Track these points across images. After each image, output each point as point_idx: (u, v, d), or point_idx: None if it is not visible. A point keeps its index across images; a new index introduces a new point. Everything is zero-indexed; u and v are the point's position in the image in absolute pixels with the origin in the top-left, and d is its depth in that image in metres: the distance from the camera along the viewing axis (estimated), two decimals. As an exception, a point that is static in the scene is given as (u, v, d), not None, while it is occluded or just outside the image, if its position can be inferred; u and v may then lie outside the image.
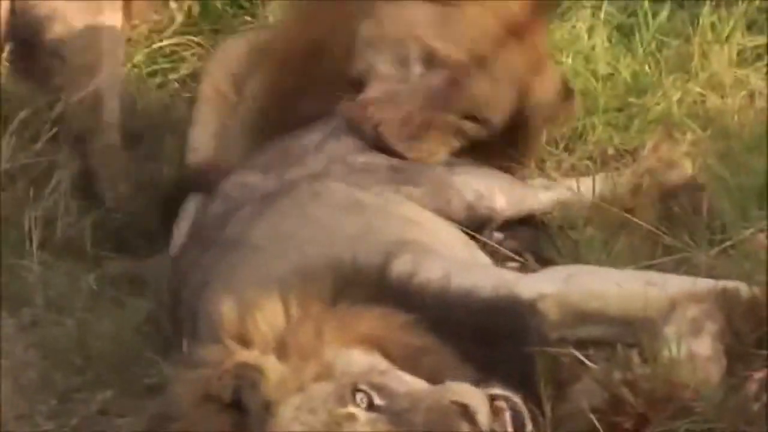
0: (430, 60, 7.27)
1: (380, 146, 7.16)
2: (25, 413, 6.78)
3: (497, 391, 5.84)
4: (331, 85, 7.32)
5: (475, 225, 7.26)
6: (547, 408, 6.04)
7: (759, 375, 5.73)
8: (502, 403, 5.80)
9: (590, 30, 9.78)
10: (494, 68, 7.39)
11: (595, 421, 5.94)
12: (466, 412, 5.69)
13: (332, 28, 7.64)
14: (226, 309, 6.21)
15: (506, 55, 7.44)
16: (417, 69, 7.30)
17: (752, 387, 5.71)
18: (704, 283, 6.18)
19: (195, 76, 9.97)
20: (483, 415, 5.72)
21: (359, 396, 5.77)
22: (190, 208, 7.56)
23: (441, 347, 6.09)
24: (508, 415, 5.77)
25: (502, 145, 7.61)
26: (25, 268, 7.45)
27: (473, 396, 5.77)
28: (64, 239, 7.72)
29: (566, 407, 6.04)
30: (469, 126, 7.35)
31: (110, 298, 7.39)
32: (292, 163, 7.20)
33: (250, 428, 5.98)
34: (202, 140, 8.20)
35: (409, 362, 6.03)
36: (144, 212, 8.17)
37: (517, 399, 5.85)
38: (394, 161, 7.19)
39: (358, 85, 7.37)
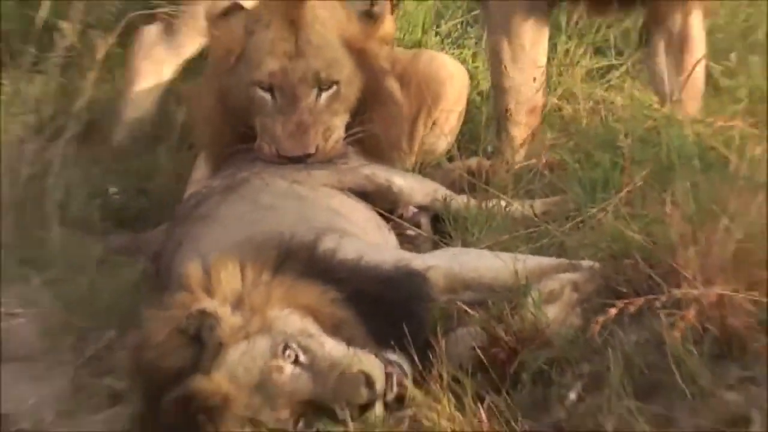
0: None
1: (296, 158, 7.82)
2: (51, 347, 7.44)
3: (390, 357, 6.66)
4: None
5: (388, 203, 7.94)
6: (441, 346, 6.65)
7: (600, 320, 6.40)
8: (391, 369, 6.61)
9: (474, 55, 10.43)
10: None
11: (480, 353, 6.71)
12: (368, 380, 6.48)
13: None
14: (194, 266, 6.97)
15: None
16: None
17: (595, 328, 6.37)
18: (554, 261, 7.08)
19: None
20: (380, 384, 6.54)
21: (288, 352, 6.57)
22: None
23: (356, 320, 6.83)
24: (395, 378, 6.57)
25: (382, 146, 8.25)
26: (49, 239, 8.03)
27: (375, 367, 6.57)
28: (78, 217, 8.26)
29: (455, 347, 6.83)
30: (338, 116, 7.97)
31: (113, 262, 7.93)
32: (242, 168, 7.81)
33: (203, 362, 6.67)
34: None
35: (333, 329, 6.75)
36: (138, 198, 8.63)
37: (403, 362, 6.71)
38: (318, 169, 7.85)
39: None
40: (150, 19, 8.92)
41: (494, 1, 8.31)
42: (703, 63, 8.07)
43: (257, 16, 8.20)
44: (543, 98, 8.59)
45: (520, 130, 8.39)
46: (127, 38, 9.75)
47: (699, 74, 8.05)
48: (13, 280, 7.84)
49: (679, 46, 7.81)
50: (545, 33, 8.21)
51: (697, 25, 8.00)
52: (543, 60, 8.22)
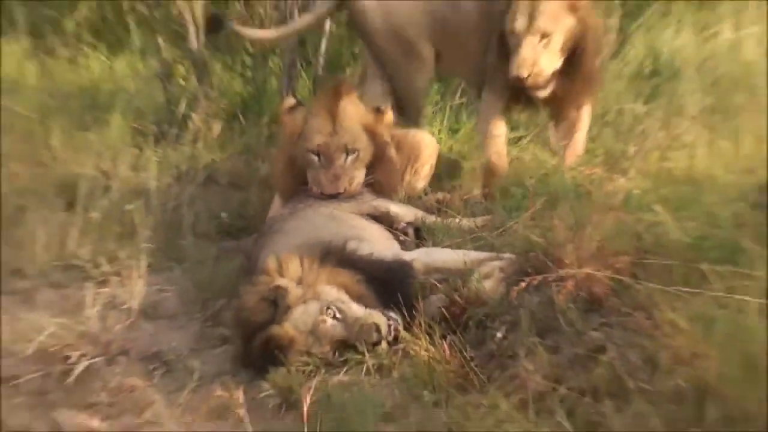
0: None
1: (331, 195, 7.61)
2: (186, 310, 7.27)
3: (390, 314, 6.58)
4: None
5: (388, 221, 7.72)
6: (420, 306, 6.53)
7: (516, 289, 6.28)
8: (391, 321, 6.55)
9: (439, 131, 9.54)
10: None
11: (444, 311, 6.59)
12: (377, 328, 6.49)
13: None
14: (271, 259, 6.90)
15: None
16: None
17: (513, 294, 6.29)
18: (488, 254, 6.99)
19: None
20: (384, 330, 6.50)
21: (329, 311, 6.57)
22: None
23: (370, 292, 6.78)
24: (393, 326, 6.51)
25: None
26: (185, 245, 7.80)
27: (381, 320, 6.54)
28: (203, 232, 8.06)
29: (429, 307, 6.68)
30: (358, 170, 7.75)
31: (224, 258, 7.65)
32: (300, 202, 7.69)
33: (278, 317, 6.58)
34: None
35: (356, 298, 6.70)
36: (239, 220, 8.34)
37: (398, 317, 6.60)
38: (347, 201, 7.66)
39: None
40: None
41: (484, 107, 8.15)
42: (585, 130, 7.85)
43: (310, 109, 7.98)
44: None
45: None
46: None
47: (581, 142, 7.85)
48: (163, 270, 7.65)
49: (570, 127, 7.61)
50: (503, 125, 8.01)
51: (585, 113, 7.81)
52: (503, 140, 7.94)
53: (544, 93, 7.82)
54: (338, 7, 8.52)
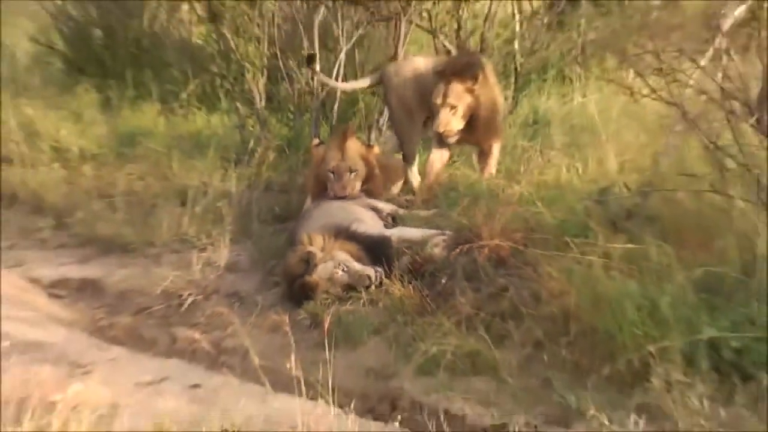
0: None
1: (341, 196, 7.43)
2: (254, 267, 7.21)
3: (377, 268, 6.41)
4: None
5: (377, 213, 7.39)
6: (395, 264, 6.44)
7: (453, 253, 6.16)
8: (378, 273, 6.39)
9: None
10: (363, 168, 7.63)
11: (409, 265, 6.40)
12: (369, 278, 6.34)
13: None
14: (305, 236, 6.71)
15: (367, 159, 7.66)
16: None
17: (452, 256, 6.15)
18: (437, 231, 6.77)
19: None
20: (374, 278, 6.33)
21: (340, 266, 6.42)
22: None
23: (365, 256, 6.58)
24: (378, 277, 6.35)
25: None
26: (253, 227, 7.71)
27: (371, 272, 6.38)
28: (264, 219, 7.89)
29: (401, 264, 6.47)
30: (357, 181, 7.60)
31: (276, 235, 7.63)
32: (322, 200, 7.43)
33: (309, 271, 6.42)
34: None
35: (356, 259, 6.51)
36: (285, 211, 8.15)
37: (381, 270, 6.43)
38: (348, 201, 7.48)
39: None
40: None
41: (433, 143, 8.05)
42: (496, 157, 7.77)
43: (328, 145, 7.81)
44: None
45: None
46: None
47: (493, 166, 7.89)
48: (239, 242, 7.53)
49: (485, 157, 7.59)
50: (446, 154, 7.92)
51: (495, 148, 7.85)
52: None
53: (452, 141, 7.80)
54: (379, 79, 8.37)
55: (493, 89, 7.81)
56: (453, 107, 7.62)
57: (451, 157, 8.21)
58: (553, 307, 5.49)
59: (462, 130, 7.75)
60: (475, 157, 8.19)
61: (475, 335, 5.56)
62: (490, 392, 5.18)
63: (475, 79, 7.58)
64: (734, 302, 5.08)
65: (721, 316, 4.98)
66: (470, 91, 7.62)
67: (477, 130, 7.76)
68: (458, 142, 7.94)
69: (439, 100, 7.63)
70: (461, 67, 7.65)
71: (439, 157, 8.03)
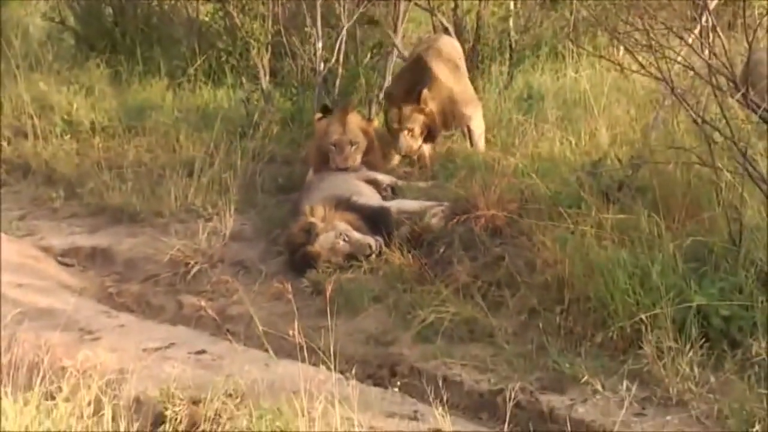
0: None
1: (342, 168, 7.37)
2: (257, 237, 7.17)
3: (378, 238, 6.35)
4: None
5: (376, 185, 7.31)
6: (395, 233, 6.42)
7: (451, 223, 6.16)
8: (378, 242, 6.33)
9: None
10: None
11: (409, 235, 6.33)
12: (369, 246, 6.29)
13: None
14: (307, 207, 6.62)
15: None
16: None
17: (449, 225, 6.22)
18: (436, 203, 6.71)
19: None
20: (374, 246, 6.28)
21: (341, 236, 6.35)
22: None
23: (365, 226, 6.51)
24: (378, 246, 6.29)
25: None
26: (257, 198, 7.69)
27: (372, 241, 6.32)
28: (267, 189, 7.86)
29: (401, 233, 6.41)
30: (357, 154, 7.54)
31: (280, 205, 7.54)
32: (324, 171, 7.36)
33: (311, 240, 6.37)
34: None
35: (357, 229, 6.43)
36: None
37: (380, 240, 6.37)
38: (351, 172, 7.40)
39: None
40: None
41: None
42: (477, 133, 7.94)
43: (330, 119, 7.70)
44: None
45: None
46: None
47: (478, 141, 7.96)
48: (244, 211, 7.47)
49: (468, 133, 7.56)
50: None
51: (473, 124, 8.01)
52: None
53: (415, 154, 7.90)
54: None
55: (446, 84, 7.86)
56: (410, 129, 7.70)
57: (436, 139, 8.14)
58: (548, 275, 5.47)
59: (425, 141, 7.87)
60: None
61: (472, 303, 5.55)
62: (487, 358, 5.16)
63: (419, 101, 7.62)
64: (722, 271, 5.09)
65: (710, 285, 4.98)
66: (420, 111, 7.68)
67: (437, 136, 7.93)
68: (429, 134, 7.90)
69: (395, 125, 7.73)
70: (404, 94, 7.73)
71: (427, 147, 8.03)
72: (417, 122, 7.67)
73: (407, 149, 7.75)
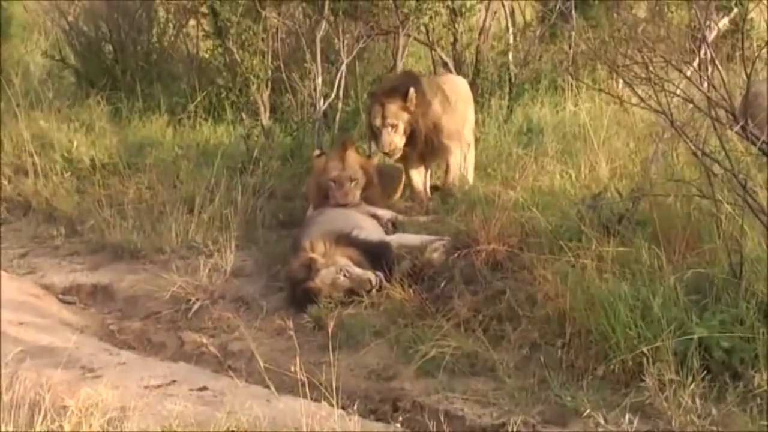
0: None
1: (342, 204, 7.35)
2: (259, 272, 7.20)
3: (378, 273, 6.36)
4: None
5: (377, 219, 7.31)
6: (395, 268, 6.46)
7: (453, 258, 6.29)
8: (378, 277, 6.34)
9: None
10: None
11: (408, 270, 6.41)
12: (370, 281, 6.30)
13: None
14: (307, 241, 6.64)
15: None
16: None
17: (454, 257, 6.32)
18: (436, 237, 6.74)
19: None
20: (375, 282, 6.29)
21: (342, 272, 6.36)
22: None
23: (366, 261, 6.53)
24: (378, 281, 6.30)
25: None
26: (258, 233, 7.67)
27: (372, 276, 6.33)
28: (270, 225, 7.86)
29: (401, 268, 6.44)
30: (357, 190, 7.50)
31: (280, 241, 7.55)
32: (324, 207, 7.33)
33: (312, 276, 6.38)
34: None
35: (357, 264, 6.45)
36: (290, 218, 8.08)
37: (381, 275, 6.39)
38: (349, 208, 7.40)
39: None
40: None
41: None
42: (453, 171, 7.96)
43: (329, 155, 7.75)
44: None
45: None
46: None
47: (453, 176, 7.98)
48: (245, 247, 7.52)
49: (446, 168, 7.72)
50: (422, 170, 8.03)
51: (452, 160, 7.95)
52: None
53: (395, 155, 7.78)
54: None
55: (435, 109, 7.84)
56: (393, 126, 7.64)
57: (428, 170, 8.24)
58: (549, 309, 5.50)
59: (407, 146, 7.76)
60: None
61: (473, 337, 5.58)
62: (489, 392, 5.17)
63: (405, 97, 7.61)
64: (723, 303, 5.10)
65: (711, 317, 4.99)
66: (405, 109, 7.64)
67: (418, 145, 7.78)
68: (407, 159, 7.93)
69: (378, 122, 7.67)
70: (390, 89, 7.74)
71: (418, 176, 8.08)
72: (401, 119, 7.64)
73: (390, 146, 7.66)
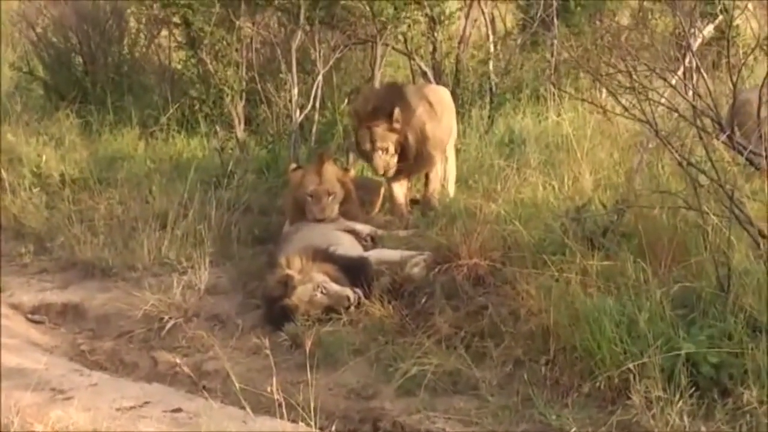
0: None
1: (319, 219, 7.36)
2: (234, 289, 7.19)
3: (357, 290, 6.36)
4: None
5: (355, 235, 7.30)
6: (374, 284, 6.44)
7: (434, 272, 6.26)
8: (357, 294, 6.34)
9: None
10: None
11: (388, 286, 6.37)
12: (348, 298, 6.31)
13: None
14: (283, 258, 6.65)
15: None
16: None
17: (434, 272, 6.29)
18: (417, 252, 6.72)
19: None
20: (353, 299, 6.28)
21: (319, 288, 6.36)
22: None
23: (343, 277, 6.52)
24: (357, 298, 6.30)
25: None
26: (231, 249, 7.66)
27: (351, 293, 6.33)
28: (243, 240, 7.81)
29: (380, 284, 6.43)
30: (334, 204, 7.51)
31: (256, 257, 7.54)
32: (301, 222, 7.34)
33: (288, 293, 6.38)
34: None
35: (335, 280, 6.45)
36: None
37: (359, 291, 6.38)
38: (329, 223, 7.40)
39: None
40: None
41: None
42: (433, 182, 8.11)
43: (306, 169, 7.73)
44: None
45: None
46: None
47: (433, 186, 8.12)
48: (219, 264, 7.50)
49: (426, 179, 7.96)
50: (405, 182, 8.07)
51: (432, 173, 8.06)
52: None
53: (390, 174, 7.86)
54: None
55: (420, 118, 7.86)
56: (383, 149, 7.70)
57: (410, 182, 8.29)
58: (532, 325, 5.49)
59: (399, 161, 7.82)
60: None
61: (455, 354, 5.57)
62: (471, 411, 5.15)
63: (390, 117, 7.64)
64: (711, 317, 5.09)
65: (699, 332, 4.99)
66: (392, 129, 7.69)
67: (409, 159, 7.83)
68: (397, 174, 7.94)
69: (368, 146, 7.73)
70: (374, 110, 7.75)
71: (400, 188, 8.09)
72: (390, 140, 7.68)
73: (384, 167, 7.73)
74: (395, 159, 7.76)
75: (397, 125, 7.66)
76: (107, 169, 9.38)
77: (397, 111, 7.63)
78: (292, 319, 6.34)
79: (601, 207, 6.29)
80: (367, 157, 7.83)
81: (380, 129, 7.66)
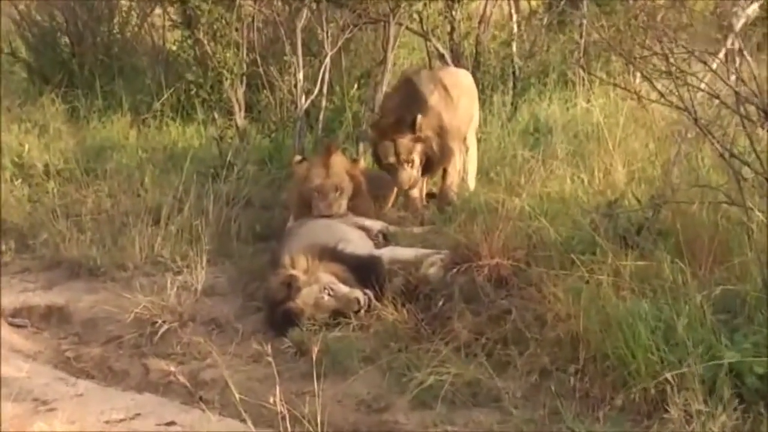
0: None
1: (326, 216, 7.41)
2: (233, 291, 7.18)
3: (367, 291, 6.34)
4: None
5: (365, 231, 7.34)
6: (387, 286, 6.37)
7: (452, 273, 6.24)
8: (367, 296, 6.31)
9: None
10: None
11: (403, 288, 6.33)
12: (358, 301, 6.26)
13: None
14: (287, 257, 6.65)
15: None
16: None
17: (452, 276, 6.21)
18: (433, 251, 6.74)
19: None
20: (363, 302, 6.25)
21: (326, 290, 6.33)
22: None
23: (353, 278, 6.51)
24: (367, 300, 6.27)
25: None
26: (232, 246, 7.68)
27: (360, 295, 6.29)
28: (243, 237, 7.85)
29: (392, 286, 6.38)
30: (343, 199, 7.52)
31: (257, 255, 7.54)
32: (305, 218, 7.37)
33: (292, 296, 6.36)
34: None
35: (343, 281, 6.43)
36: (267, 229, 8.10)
37: (370, 293, 6.36)
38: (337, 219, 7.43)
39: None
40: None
41: None
42: (452, 175, 8.21)
43: (312, 161, 7.80)
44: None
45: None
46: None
47: (453, 175, 8.20)
48: (217, 263, 7.53)
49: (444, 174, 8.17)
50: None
51: (451, 166, 8.12)
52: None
53: (416, 185, 8.04)
54: None
55: (434, 108, 7.93)
56: (409, 161, 7.80)
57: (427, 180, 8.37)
58: (560, 331, 5.45)
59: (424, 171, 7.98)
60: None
61: (475, 363, 5.54)
62: (493, 425, 5.12)
63: (413, 127, 7.71)
64: (756, 323, 5.04)
65: (743, 339, 4.94)
66: (417, 140, 7.78)
67: (434, 159, 7.94)
68: (428, 163, 8.00)
69: (392, 159, 7.81)
70: (396, 122, 7.81)
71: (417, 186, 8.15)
72: (416, 152, 7.77)
73: (410, 182, 7.85)
74: (420, 170, 7.87)
75: (420, 134, 7.73)
76: (95, 160, 9.41)
77: (419, 119, 7.71)
78: (297, 323, 6.32)
79: (635, 202, 6.31)
80: (391, 171, 7.88)
81: (405, 140, 7.75)
